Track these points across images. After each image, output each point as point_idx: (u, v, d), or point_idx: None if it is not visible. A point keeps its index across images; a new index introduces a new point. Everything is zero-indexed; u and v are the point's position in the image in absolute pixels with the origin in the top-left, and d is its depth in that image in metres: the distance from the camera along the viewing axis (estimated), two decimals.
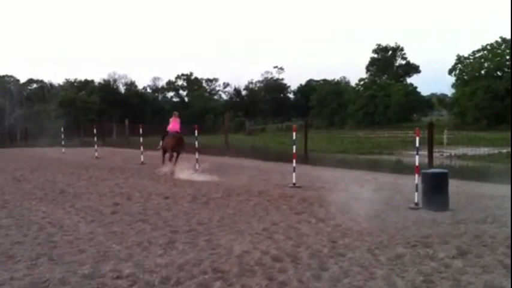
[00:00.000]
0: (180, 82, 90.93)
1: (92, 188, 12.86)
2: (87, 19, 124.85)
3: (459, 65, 68.22)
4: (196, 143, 16.77)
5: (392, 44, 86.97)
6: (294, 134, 13.59)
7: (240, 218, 8.70)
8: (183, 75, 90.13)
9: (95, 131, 26.64)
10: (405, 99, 75.24)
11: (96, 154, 23.46)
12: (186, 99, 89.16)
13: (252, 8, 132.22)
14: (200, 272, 5.61)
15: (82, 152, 27.37)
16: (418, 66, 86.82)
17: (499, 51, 63.77)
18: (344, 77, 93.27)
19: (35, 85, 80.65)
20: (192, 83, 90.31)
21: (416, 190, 9.55)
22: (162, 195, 11.31)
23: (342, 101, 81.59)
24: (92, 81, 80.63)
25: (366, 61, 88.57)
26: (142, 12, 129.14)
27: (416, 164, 10.02)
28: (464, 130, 47.86)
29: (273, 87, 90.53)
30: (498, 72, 62.90)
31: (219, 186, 12.66)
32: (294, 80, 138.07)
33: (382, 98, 75.96)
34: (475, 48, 66.87)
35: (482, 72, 64.50)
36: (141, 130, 21.84)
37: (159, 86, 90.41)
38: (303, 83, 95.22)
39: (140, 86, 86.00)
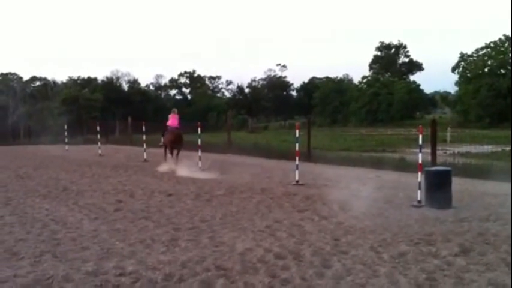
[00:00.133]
0: (183, 80, 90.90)
1: (95, 185, 12.89)
2: (91, 17, 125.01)
3: (462, 63, 68.09)
4: (199, 140, 16.77)
5: (395, 42, 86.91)
6: (297, 131, 13.57)
7: (243, 216, 8.70)
8: (186, 72, 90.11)
9: (98, 128, 26.64)
10: (408, 96, 75.10)
11: (99, 152, 23.49)
12: (188, 96, 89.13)
13: (255, 6, 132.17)
14: (203, 269, 5.61)
15: (85, 149, 27.41)
16: (421, 64, 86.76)
17: (502, 49, 63.57)
18: (347, 75, 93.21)
19: (38, 83, 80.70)
20: (195, 80, 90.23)
21: (420, 188, 9.54)
22: (165, 193, 11.33)
23: (344, 99, 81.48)
24: (95, 79, 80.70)
25: (369, 59, 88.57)
26: (145, 10, 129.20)
27: (420, 161, 10.00)
28: (468, 128, 47.71)
29: (275, 85, 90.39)
30: (501, 70, 62.71)
31: (222, 184, 12.67)
32: (296, 78, 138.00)
33: (385, 95, 75.85)
34: (479, 46, 66.82)
35: (486, 70, 64.35)
36: (144, 127, 21.85)
37: (162, 84, 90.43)
38: (306, 80, 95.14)
39: (143, 84, 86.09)
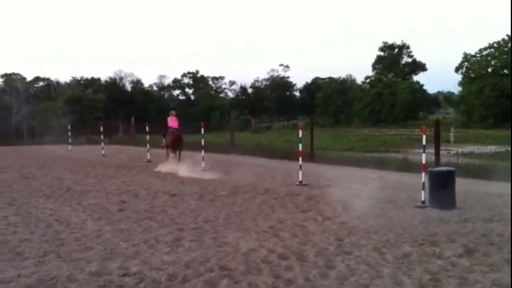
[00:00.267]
0: (186, 80, 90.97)
1: (99, 185, 12.91)
2: (94, 18, 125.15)
3: (466, 63, 67.97)
4: (202, 140, 16.78)
5: (398, 42, 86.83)
6: (300, 131, 13.57)
7: (246, 216, 8.70)
8: (189, 73, 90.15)
9: (101, 128, 26.72)
10: (411, 97, 75.01)
11: (103, 152, 23.53)
12: (192, 97, 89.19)
13: (259, 6, 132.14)
14: (207, 269, 5.62)
15: (89, 149, 27.48)
16: (425, 64, 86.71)
17: (505, 49, 63.36)
18: (350, 75, 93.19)
19: (41, 83, 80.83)
20: (198, 81, 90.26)
21: (423, 188, 9.52)
22: (168, 193, 11.34)
23: (347, 99, 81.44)
24: (98, 79, 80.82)
25: (372, 59, 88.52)
26: (149, 11, 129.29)
27: (423, 162, 9.98)
28: (471, 128, 47.68)
29: (278, 85, 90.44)
30: (505, 70, 62.47)
31: (225, 184, 12.67)
32: (299, 78, 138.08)
33: (388, 96, 75.79)
34: (482, 46, 66.68)
35: (489, 70, 64.23)
36: (147, 128, 21.89)
37: (165, 84, 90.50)
38: (309, 81, 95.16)
39: (146, 84, 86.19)
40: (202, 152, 16.48)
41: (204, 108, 76.57)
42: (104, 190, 12.02)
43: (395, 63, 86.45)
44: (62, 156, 23.43)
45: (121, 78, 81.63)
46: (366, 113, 77.44)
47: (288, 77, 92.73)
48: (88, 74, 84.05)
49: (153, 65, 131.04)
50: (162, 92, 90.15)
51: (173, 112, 18.10)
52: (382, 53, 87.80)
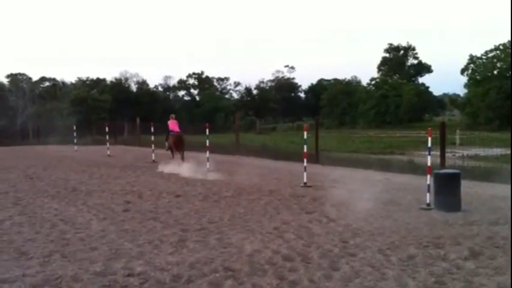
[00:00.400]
0: (191, 81, 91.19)
1: (104, 186, 12.94)
2: (100, 18, 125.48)
3: (471, 65, 67.78)
4: (207, 141, 16.79)
5: (404, 44, 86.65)
6: (305, 133, 13.55)
7: (251, 217, 8.70)
8: (194, 74, 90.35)
9: (107, 129, 26.77)
10: (417, 99, 74.91)
11: (108, 152, 23.58)
12: (197, 98, 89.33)
13: (265, 7, 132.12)
14: (211, 270, 5.62)
15: (94, 150, 27.54)
16: (430, 66, 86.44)
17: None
18: (355, 77, 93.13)
19: (47, 83, 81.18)
20: (203, 82, 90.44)
21: (428, 190, 9.49)
22: (173, 194, 11.35)
23: (352, 101, 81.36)
24: (104, 80, 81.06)
25: (378, 61, 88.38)
26: (154, 11, 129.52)
27: (429, 164, 9.94)
28: (477, 130, 47.53)
29: (283, 87, 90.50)
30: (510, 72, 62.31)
31: (230, 185, 12.67)
32: (304, 80, 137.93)
33: (394, 97, 75.68)
34: (488, 48, 66.48)
35: (495, 72, 64.04)
36: (152, 128, 21.93)
37: (171, 85, 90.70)
38: (314, 82, 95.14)
39: (152, 85, 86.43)
40: (207, 153, 16.49)
41: (209, 109, 76.65)
42: (109, 190, 12.04)
43: (400, 64, 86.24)
44: (67, 156, 23.50)
45: (126, 79, 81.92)
46: (371, 114, 77.33)
47: (293, 78, 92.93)
48: (93, 75, 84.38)
49: (158, 66, 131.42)
50: (168, 93, 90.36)
51: (173, 116, 18.64)
52: (387, 55, 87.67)
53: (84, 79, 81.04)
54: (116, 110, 68.04)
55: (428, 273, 5.51)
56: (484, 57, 66.58)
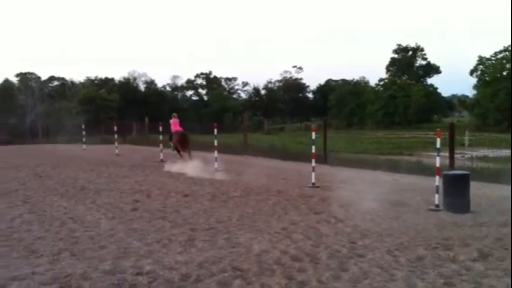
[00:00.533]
0: (199, 81, 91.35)
1: (113, 184, 12.99)
2: (108, 18, 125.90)
3: (481, 66, 67.44)
4: (215, 141, 16.81)
5: (412, 45, 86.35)
6: (313, 133, 13.54)
7: (259, 217, 8.70)
8: (202, 74, 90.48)
9: (115, 128, 26.85)
10: (425, 99, 74.63)
11: (117, 151, 23.66)
12: (205, 98, 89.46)
13: (272, 8, 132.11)
14: (219, 270, 5.63)
15: (102, 149, 27.63)
16: (439, 67, 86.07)
17: None
18: (363, 77, 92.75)
19: (56, 82, 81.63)
20: (211, 81, 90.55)
21: (437, 192, 9.46)
22: (181, 193, 11.37)
23: (360, 101, 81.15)
24: (112, 79, 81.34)
25: (386, 61, 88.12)
26: (163, 11, 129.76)
27: (437, 165, 9.92)
28: (486, 132, 47.27)
29: (291, 87, 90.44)
30: None
31: (238, 185, 12.68)
32: (312, 80, 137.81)
33: (402, 98, 75.41)
34: (497, 49, 66.11)
35: (504, 73, 63.62)
36: (160, 128, 21.98)
37: (179, 85, 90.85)
38: (322, 82, 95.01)
39: (160, 85, 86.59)
40: (215, 152, 16.51)
41: (217, 109, 76.72)
42: (117, 189, 12.09)
43: (409, 65, 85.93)
44: (76, 155, 23.59)
45: (134, 79, 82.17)
46: (379, 115, 77.10)
47: (301, 79, 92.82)
48: (102, 74, 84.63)
49: (166, 66, 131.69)
50: (176, 93, 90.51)
51: (175, 115, 18.78)
52: (396, 55, 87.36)
53: (93, 78, 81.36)
54: (124, 109, 68.24)
55: (437, 275, 5.49)
56: (493, 58, 66.23)
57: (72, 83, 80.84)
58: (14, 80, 73.89)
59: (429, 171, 13.35)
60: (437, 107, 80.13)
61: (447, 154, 14.49)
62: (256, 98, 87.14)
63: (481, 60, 67.23)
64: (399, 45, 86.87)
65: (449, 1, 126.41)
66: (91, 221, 8.44)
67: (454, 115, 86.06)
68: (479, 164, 15.72)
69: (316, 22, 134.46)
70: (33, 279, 5.34)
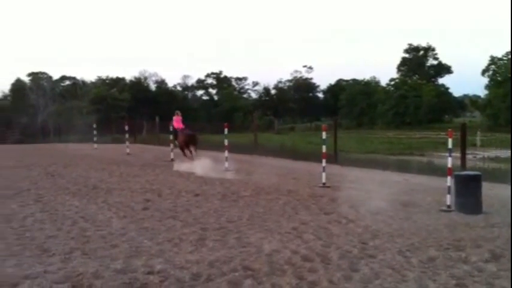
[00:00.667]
0: (209, 80, 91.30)
1: (124, 184, 13.05)
2: (120, 18, 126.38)
3: (492, 66, 66.92)
4: (226, 141, 16.84)
5: (423, 44, 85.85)
6: (324, 133, 13.51)
7: (270, 217, 8.71)
8: (212, 73, 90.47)
9: (126, 127, 26.96)
10: (437, 99, 74.11)
11: (127, 151, 23.77)
12: (215, 97, 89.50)
13: (282, 7, 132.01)
14: (230, 269, 5.64)
15: (113, 148, 27.78)
16: (450, 67, 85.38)
17: None
18: (374, 77, 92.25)
19: (67, 82, 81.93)
20: (222, 81, 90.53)
21: (449, 192, 9.41)
22: (192, 193, 11.40)
23: (371, 101, 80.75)
24: (123, 79, 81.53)
25: (397, 61, 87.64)
26: (174, 11, 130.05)
27: (449, 165, 9.86)
28: (498, 132, 46.91)
29: (302, 87, 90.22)
30: None
31: (248, 185, 12.69)
32: (323, 80, 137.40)
33: (413, 98, 74.92)
34: (509, 49, 65.56)
35: None
36: (171, 127, 22.01)
37: (189, 84, 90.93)
38: (332, 82, 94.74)
39: (170, 84, 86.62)
40: (226, 152, 16.54)
41: (227, 109, 76.68)
42: (128, 189, 12.15)
43: (420, 65, 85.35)
44: (87, 154, 23.74)
45: (145, 78, 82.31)
46: (390, 115, 76.65)
47: (311, 79, 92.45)
48: (113, 74, 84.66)
49: (177, 66, 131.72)
50: (186, 92, 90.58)
51: (178, 112, 18.92)
52: (407, 55, 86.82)
53: (104, 78, 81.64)
54: (134, 108, 68.39)
55: (449, 276, 5.47)
56: (505, 58, 65.66)
57: (84, 82, 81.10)
58: (26, 79, 74.28)
59: (440, 171, 13.28)
60: (449, 107, 79.56)
61: (459, 155, 14.41)
62: (267, 98, 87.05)
63: (493, 60, 66.71)
64: (410, 44, 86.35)
65: (462, 1, 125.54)
66: (102, 220, 8.49)
67: (465, 115, 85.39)
68: (491, 165, 15.61)
69: (326, 22, 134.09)
70: (45, 277, 5.39)
